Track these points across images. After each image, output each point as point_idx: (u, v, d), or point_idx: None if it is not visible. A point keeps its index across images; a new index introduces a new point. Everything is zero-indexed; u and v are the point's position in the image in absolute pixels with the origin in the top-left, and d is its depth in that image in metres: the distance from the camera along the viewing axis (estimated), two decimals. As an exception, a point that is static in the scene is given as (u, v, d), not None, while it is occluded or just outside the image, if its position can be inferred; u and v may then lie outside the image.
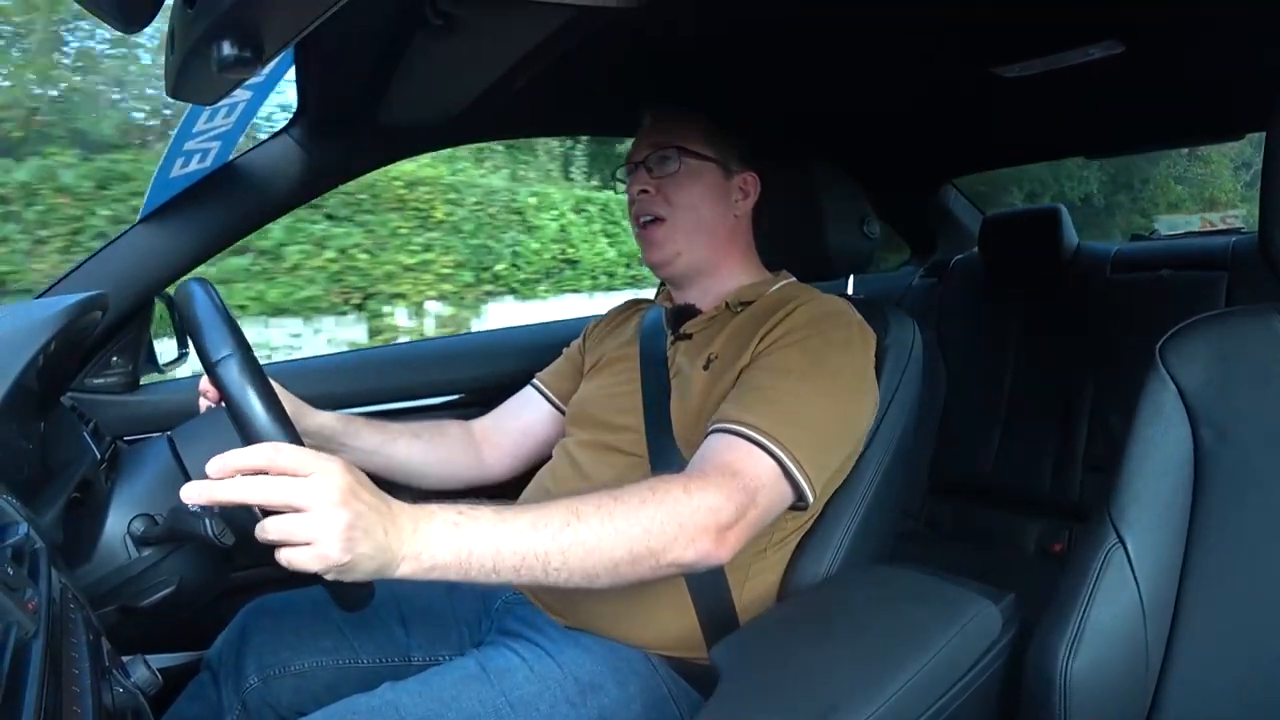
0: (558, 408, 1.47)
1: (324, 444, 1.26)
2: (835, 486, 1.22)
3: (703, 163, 1.31)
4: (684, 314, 1.34)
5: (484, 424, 1.48)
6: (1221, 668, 0.92)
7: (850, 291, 1.53)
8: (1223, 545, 0.94)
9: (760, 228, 1.37)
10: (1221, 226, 2.96)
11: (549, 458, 1.37)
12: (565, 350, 1.54)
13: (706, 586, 1.14)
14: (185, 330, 1.29)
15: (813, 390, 1.10)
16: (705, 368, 1.22)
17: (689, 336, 1.30)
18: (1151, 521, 0.96)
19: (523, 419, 1.47)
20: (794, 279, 1.36)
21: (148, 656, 0.83)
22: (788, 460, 1.03)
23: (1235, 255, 2.16)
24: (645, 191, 1.32)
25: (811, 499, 1.07)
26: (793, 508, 1.10)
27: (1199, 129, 2.19)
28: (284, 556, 0.78)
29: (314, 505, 0.77)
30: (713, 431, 1.07)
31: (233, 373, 0.87)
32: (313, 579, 0.85)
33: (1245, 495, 0.94)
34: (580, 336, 1.54)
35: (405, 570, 0.82)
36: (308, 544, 0.77)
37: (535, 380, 1.52)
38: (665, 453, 1.19)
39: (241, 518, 0.98)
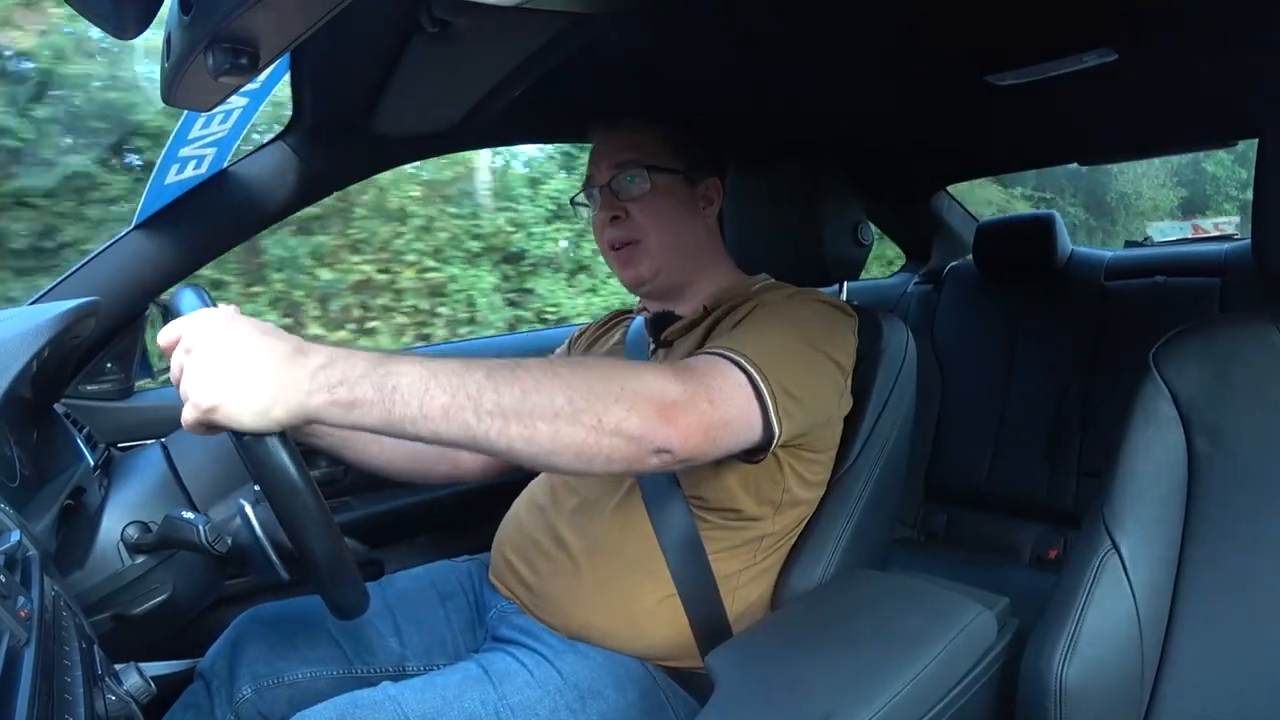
0: None
1: (303, 426, 1.21)
2: (823, 485, 1.23)
3: (670, 176, 1.28)
4: (663, 321, 1.31)
5: None
6: (1217, 672, 0.93)
7: (844, 298, 1.53)
8: (1217, 550, 0.94)
9: (751, 232, 1.36)
10: (1214, 233, 2.97)
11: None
12: (550, 356, 1.51)
13: (698, 594, 1.14)
14: None
15: (785, 335, 1.07)
16: None
17: (669, 344, 1.28)
18: (1146, 527, 0.96)
19: None
20: (772, 280, 1.34)
21: (142, 665, 0.83)
22: (755, 374, 0.97)
23: (1229, 262, 2.18)
24: (616, 217, 1.28)
25: (777, 434, 0.99)
26: (751, 455, 1.04)
27: (1192, 136, 2.20)
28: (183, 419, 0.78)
29: (194, 346, 0.77)
30: (706, 353, 1.02)
31: None
32: (308, 588, 0.85)
33: (1239, 500, 0.94)
34: (565, 343, 1.52)
35: (316, 403, 0.77)
36: (187, 391, 0.77)
37: None
38: None
39: (238, 526, 0.98)
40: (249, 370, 0.75)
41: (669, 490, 1.15)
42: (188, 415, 0.77)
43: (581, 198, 1.36)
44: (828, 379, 1.12)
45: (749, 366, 0.97)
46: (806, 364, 1.07)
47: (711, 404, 0.92)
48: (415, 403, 0.78)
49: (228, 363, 0.76)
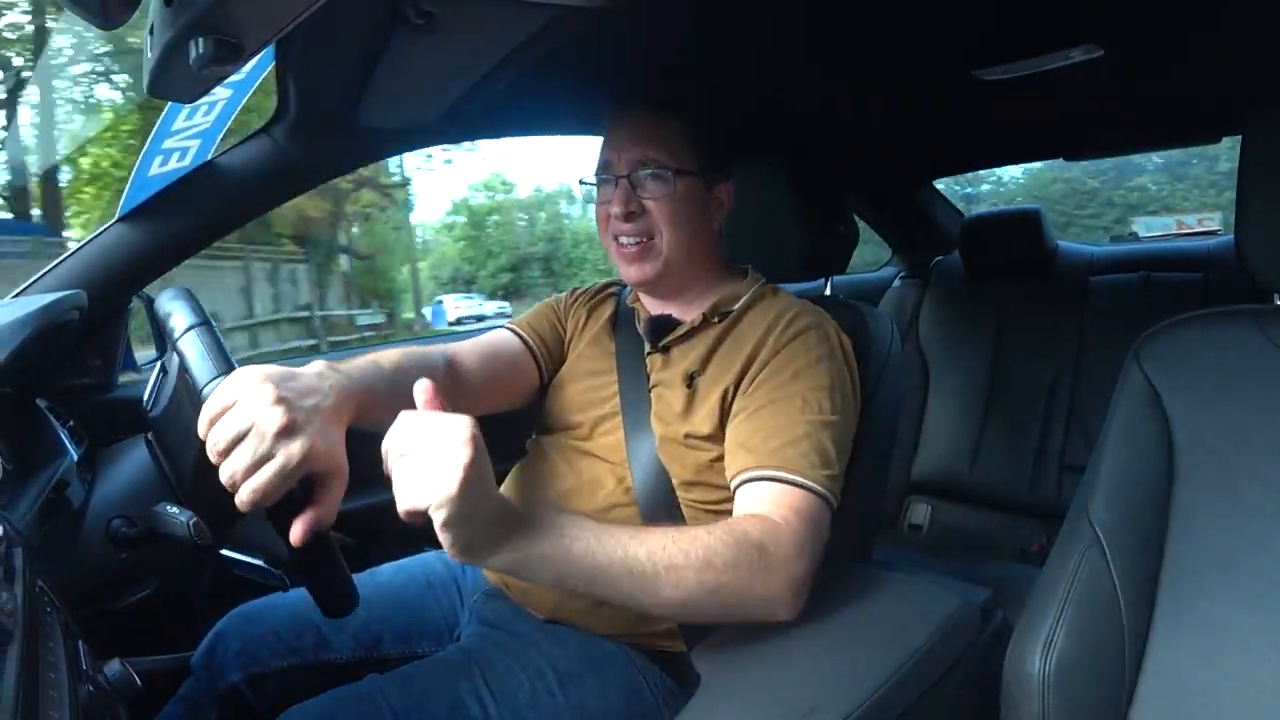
0: (535, 354, 1.36)
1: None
2: None
3: (690, 179, 1.25)
4: (662, 326, 1.30)
5: (461, 365, 1.26)
6: (1198, 663, 0.93)
7: (828, 292, 1.52)
8: (1198, 541, 0.95)
9: (735, 227, 1.35)
10: (1198, 229, 3.00)
11: (514, 402, 1.35)
12: (547, 302, 1.46)
13: None
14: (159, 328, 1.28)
15: (831, 423, 1.12)
16: (687, 385, 1.20)
17: (668, 349, 1.27)
18: (1128, 519, 0.97)
19: (502, 365, 1.34)
20: (761, 279, 1.33)
21: (134, 660, 0.83)
22: (824, 491, 1.06)
23: (1212, 257, 2.19)
24: (632, 213, 1.23)
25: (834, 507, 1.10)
26: None
27: (1177, 132, 2.21)
28: (403, 503, 0.80)
29: (438, 443, 0.80)
30: (763, 479, 1.07)
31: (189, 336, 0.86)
32: (292, 585, 0.85)
33: (1219, 492, 0.95)
34: (558, 300, 1.46)
35: (491, 575, 0.91)
36: (427, 481, 0.79)
37: (513, 326, 1.39)
38: (645, 461, 1.18)
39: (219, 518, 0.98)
40: (476, 514, 0.81)
41: (664, 497, 1.17)
42: (408, 503, 0.81)
43: (590, 178, 1.31)
44: (849, 432, 1.17)
45: (820, 489, 1.06)
46: (837, 439, 1.12)
47: (822, 552, 1.04)
48: (571, 581, 0.89)
49: (467, 495, 0.79)
